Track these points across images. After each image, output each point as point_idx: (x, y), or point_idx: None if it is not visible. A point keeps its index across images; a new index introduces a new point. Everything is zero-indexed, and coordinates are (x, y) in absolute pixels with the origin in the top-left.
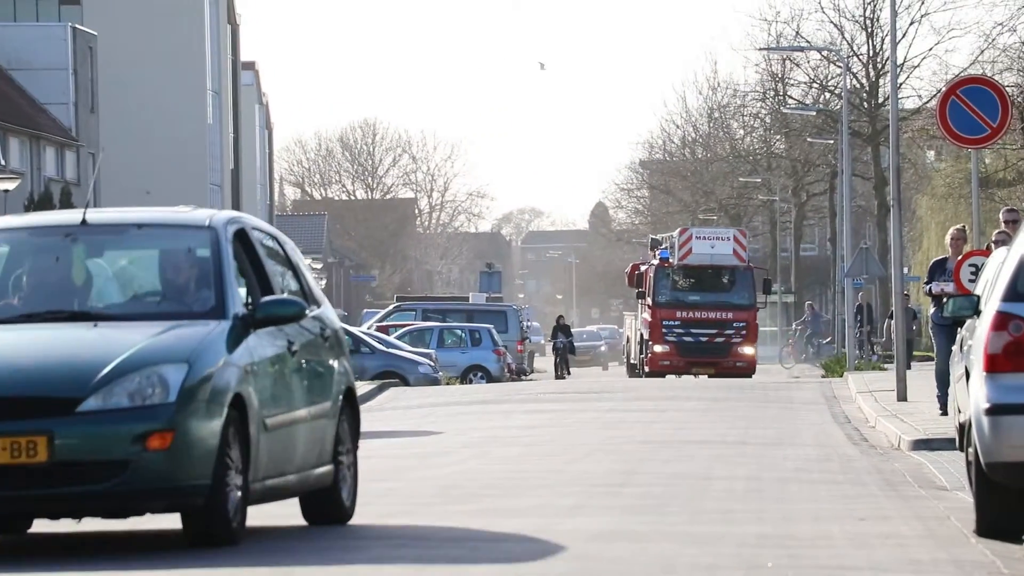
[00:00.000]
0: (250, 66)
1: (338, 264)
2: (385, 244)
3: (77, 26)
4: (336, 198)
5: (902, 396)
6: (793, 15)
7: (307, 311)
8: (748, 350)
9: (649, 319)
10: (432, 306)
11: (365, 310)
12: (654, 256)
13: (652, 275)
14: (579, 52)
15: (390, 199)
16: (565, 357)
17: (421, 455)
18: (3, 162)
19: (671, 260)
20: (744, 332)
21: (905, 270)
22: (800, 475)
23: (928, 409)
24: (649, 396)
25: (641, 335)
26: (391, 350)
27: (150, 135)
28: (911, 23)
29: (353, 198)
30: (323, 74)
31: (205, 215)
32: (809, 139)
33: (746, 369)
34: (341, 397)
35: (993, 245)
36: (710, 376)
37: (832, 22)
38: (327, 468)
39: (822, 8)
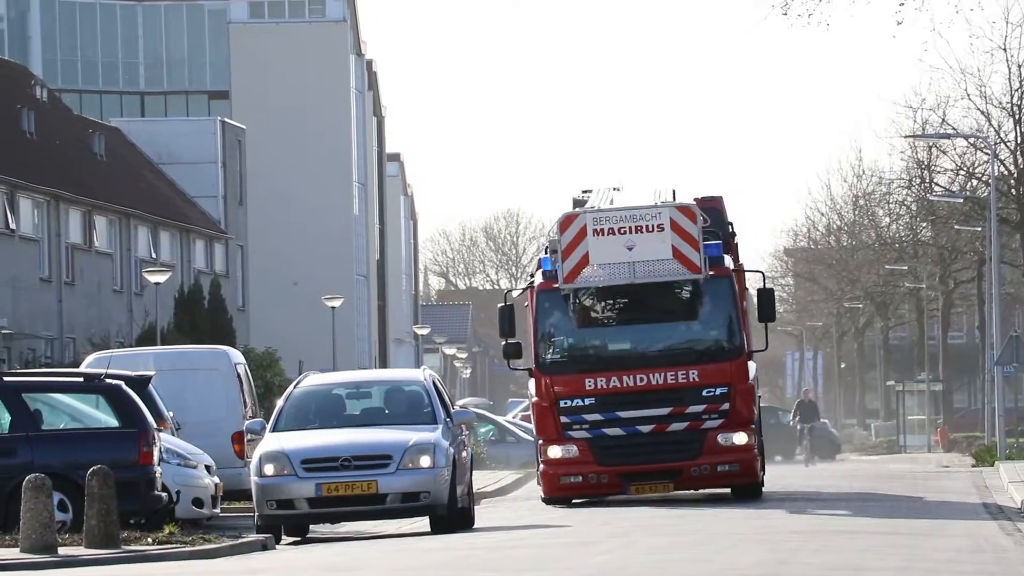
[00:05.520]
0: (395, 158)
1: (483, 353)
2: (529, 334)
3: (226, 120)
4: (480, 288)
5: None
6: (939, 102)
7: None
8: (739, 439)
9: (535, 397)
10: None
11: (510, 400)
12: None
13: (534, 309)
14: (719, 139)
15: None
16: None
17: (568, 544)
18: (154, 255)
19: (559, 279)
20: (726, 407)
21: None
22: (952, 566)
23: None
24: (795, 484)
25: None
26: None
27: (297, 226)
28: None
29: (497, 287)
30: (467, 164)
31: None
32: (956, 226)
33: (738, 477)
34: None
35: None
36: (667, 493)
37: (979, 109)
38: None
39: (968, 95)
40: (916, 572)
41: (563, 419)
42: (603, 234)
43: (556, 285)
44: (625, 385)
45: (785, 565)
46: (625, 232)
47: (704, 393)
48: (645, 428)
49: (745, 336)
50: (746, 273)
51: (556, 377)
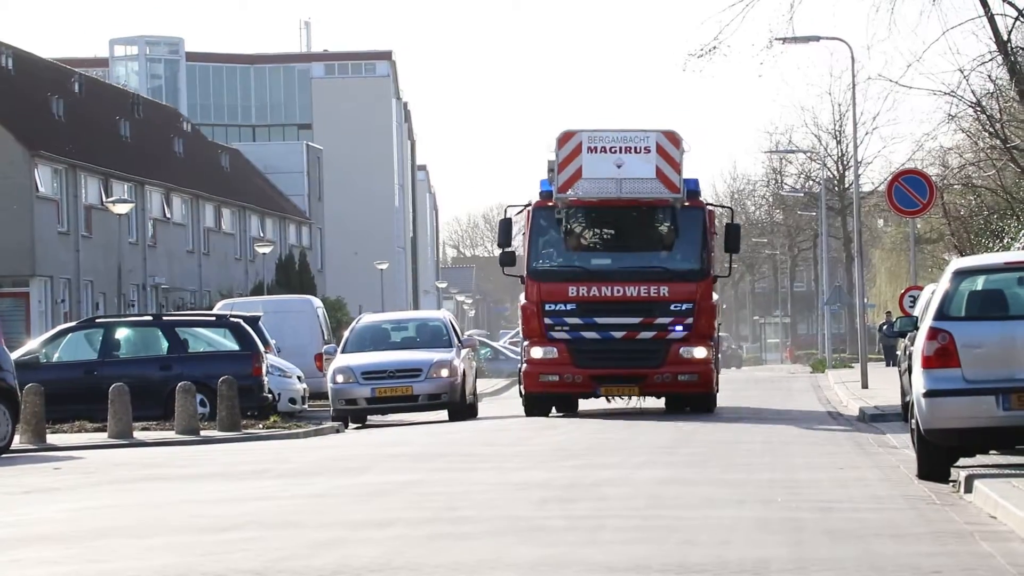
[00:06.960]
0: (423, 168)
1: (483, 300)
2: (515, 286)
3: (309, 143)
4: (480, 256)
5: (865, 385)
6: (787, 129)
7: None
8: (698, 352)
9: (524, 300)
10: None
11: (501, 331)
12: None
13: (529, 225)
14: None
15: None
16: None
17: (540, 428)
18: (262, 234)
19: (555, 195)
20: (690, 321)
21: (865, 300)
22: (799, 439)
23: (883, 394)
24: None
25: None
26: (520, 357)
27: (357, 215)
28: (866, 134)
29: (492, 255)
30: (472, 173)
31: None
32: (799, 212)
33: (696, 387)
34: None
35: None
36: (634, 397)
37: (813, 134)
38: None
39: (806, 125)
40: (775, 444)
41: (547, 320)
42: (596, 151)
43: (551, 202)
44: (603, 295)
45: (686, 442)
46: (616, 151)
47: (672, 307)
48: (618, 334)
49: (712, 262)
50: (715, 210)
51: (544, 284)
